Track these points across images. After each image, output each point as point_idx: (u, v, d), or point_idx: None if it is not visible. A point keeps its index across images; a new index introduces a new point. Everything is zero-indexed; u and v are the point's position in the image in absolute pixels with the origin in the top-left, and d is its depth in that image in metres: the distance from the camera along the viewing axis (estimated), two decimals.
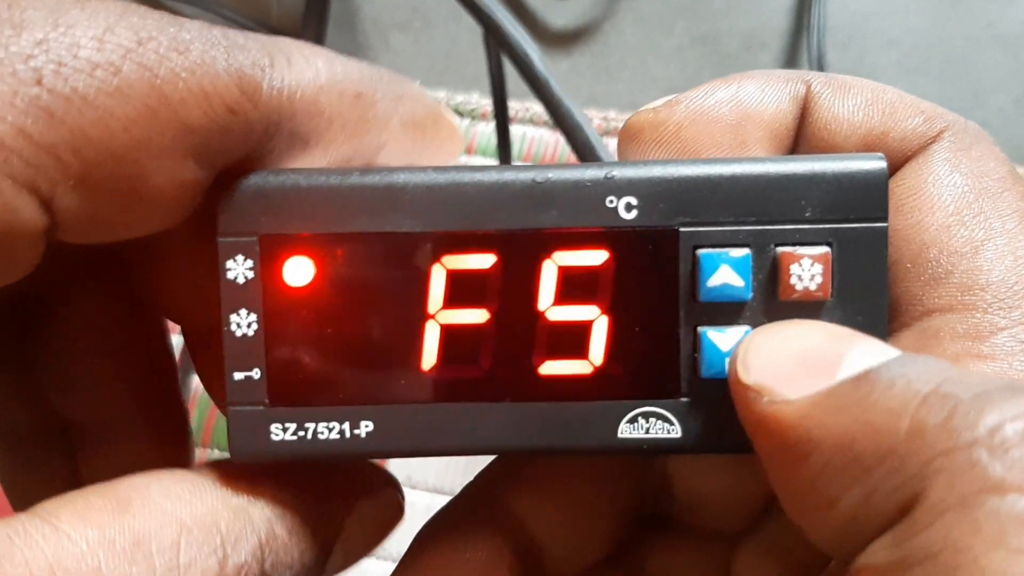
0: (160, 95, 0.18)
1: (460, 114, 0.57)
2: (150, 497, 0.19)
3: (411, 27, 0.55)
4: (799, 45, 0.52)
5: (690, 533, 0.27)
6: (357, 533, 0.24)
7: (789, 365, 0.19)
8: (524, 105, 0.57)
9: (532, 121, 0.57)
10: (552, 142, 0.56)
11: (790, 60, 0.54)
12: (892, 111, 0.23)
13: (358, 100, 0.22)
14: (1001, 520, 0.15)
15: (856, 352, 0.19)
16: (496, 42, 0.43)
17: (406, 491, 0.57)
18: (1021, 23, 0.51)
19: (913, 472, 0.16)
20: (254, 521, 0.20)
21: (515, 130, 0.51)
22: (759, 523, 0.26)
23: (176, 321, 0.26)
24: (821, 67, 0.50)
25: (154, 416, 0.27)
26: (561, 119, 0.43)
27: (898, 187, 0.23)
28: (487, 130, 0.58)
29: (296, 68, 0.21)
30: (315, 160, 0.22)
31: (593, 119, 0.51)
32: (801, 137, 0.24)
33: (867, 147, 0.23)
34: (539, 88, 0.43)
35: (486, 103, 0.57)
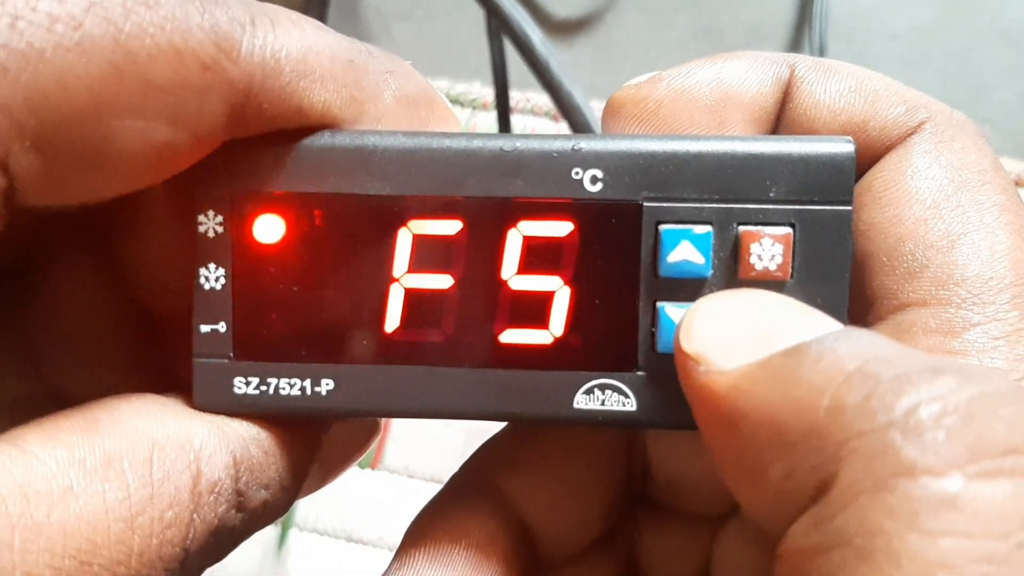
0: (125, 51, 0.18)
1: (461, 104, 0.58)
2: (120, 416, 0.19)
3: (413, 16, 0.55)
4: (801, 38, 0.52)
5: (675, 515, 0.27)
6: (335, 451, 0.24)
7: (728, 334, 0.19)
8: (525, 96, 0.58)
9: (533, 111, 0.57)
10: (553, 132, 0.57)
11: (792, 53, 0.54)
12: (875, 99, 0.23)
13: (351, 66, 0.21)
14: (914, 503, 0.15)
15: (795, 324, 0.19)
16: (497, 23, 0.43)
17: (404, 480, 0.57)
18: None
19: (830, 452, 0.16)
20: (228, 439, 0.21)
21: (516, 120, 0.51)
22: (738, 507, 0.26)
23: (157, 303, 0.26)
24: None
25: (150, 386, 0.27)
26: (561, 100, 0.43)
27: (876, 179, 0.22)
28: (488, 120, 0.58)
29: (282, 28, 0.20)
30: (315, 127, 0.21)
31: (595, 110, 0.51)
32: (781, 121, 0.24)
33: (846, 135, 0.23)
34: (539, 70, 0.43)
35: (487, 93, 0.57)
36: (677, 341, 0.20)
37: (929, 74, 0.51)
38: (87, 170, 0.19)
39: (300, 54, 0.20)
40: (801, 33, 0.53)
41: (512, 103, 0.50)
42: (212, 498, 0.20)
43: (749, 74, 0.23)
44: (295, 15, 0.21)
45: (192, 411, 0.21)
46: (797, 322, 0.19)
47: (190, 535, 0.19)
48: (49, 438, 0.18)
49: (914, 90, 0.23)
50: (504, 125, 0.49)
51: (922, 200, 0.22)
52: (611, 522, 0.26)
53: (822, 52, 0.50)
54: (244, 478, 0.20)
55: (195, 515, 0.19)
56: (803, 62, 0.24)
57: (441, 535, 0.24)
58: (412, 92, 0.23)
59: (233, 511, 0.20)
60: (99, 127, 0.18)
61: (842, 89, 0.23)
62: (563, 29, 0.55)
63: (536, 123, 0.49)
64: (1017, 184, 0.44)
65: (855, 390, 0.17)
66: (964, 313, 0.21)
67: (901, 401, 0.16)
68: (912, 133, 0.22)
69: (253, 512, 0.21)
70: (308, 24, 0.21)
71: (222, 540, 0.20)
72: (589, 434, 0.25)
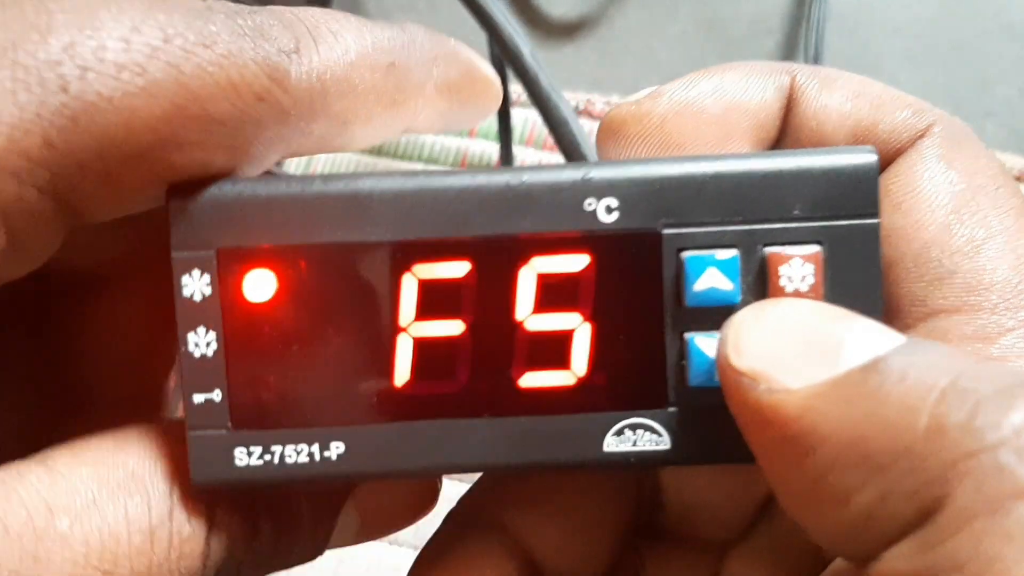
0: (187, 91, 0.18)
1: None
2: (147, 436, 0.20)
3: (416, 7, 0.54)
4: (803, 31, 0.52)
5: (681, 542, 0.26)
6: (381, 512, 0.24)
7: (787, 349, 0.18)
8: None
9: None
10: None
11: (795, 46, 0.53)
12: (880, 103, 0.22)
13: (391, 70, 0.21)
14: None
15: (856, 335, 0.18)
16: (489, 37, 0.42)
17: None
18: None
19: (935, 475, 0.16)
20: None
21: (517, 114, 0.49)
22: (750, 531, 0.26)
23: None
24: (822, 55, 0.49)
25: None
26: (549, 113, 0.42)
27: (892, 183, 0.22)
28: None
29: (325, 47, 0.20)
30: (357, 136, 0.22)
31: (596, 103, 0.50)
32: (787, 129, 0.23)
33: (856, 139, 0.22)
34: (528, 83, 0.42)
35: None
36: (724, 358, 0.18)
37: (932, 68, 0.50)
38: (147, 193, 0.20)
39: (344, 72, 0.20)
40: (802, 26, 0.52)
41: (513, 97, 0.49)
42: (230, 516, 0.20)
43: (751, 83, 0.23)
44: (335, 22, 0.21)
45: None
46: (862, 334, 0.18)
47: (210, 550, 0.20)
48: (75, 456, 0.19)
49: (911, 96, 0.23)
50: (504, 119, 0.48)
51: (943, 205, 0.21)
52: (617, 554, 0.25)
53: (824, 46, 0.49)
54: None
55: (213, 531, 0.20)
56: (802, 70, 0.23)
57: (450, 571, 0.23)
58: (453, 78, 0.23)
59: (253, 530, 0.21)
60: (162, 162, 0.19)
61: (846, 94, 0.23)
62: (564, 23, 0.54)
63: (537, 117, 0.47)
64: (1018, 180, 0.44)
65: (955, 408, 0.16)
66: (997, 318, 0.20)
67: (1009, 418, 0.15)
68: (921, 137, 0.22)
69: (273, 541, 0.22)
70: (348, 30, 0.21)
71: (244, 559, 0.21)
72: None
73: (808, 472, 0.17)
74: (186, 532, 0.19)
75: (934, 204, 0.21)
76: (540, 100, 0.42)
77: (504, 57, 0.42)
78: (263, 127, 0.19)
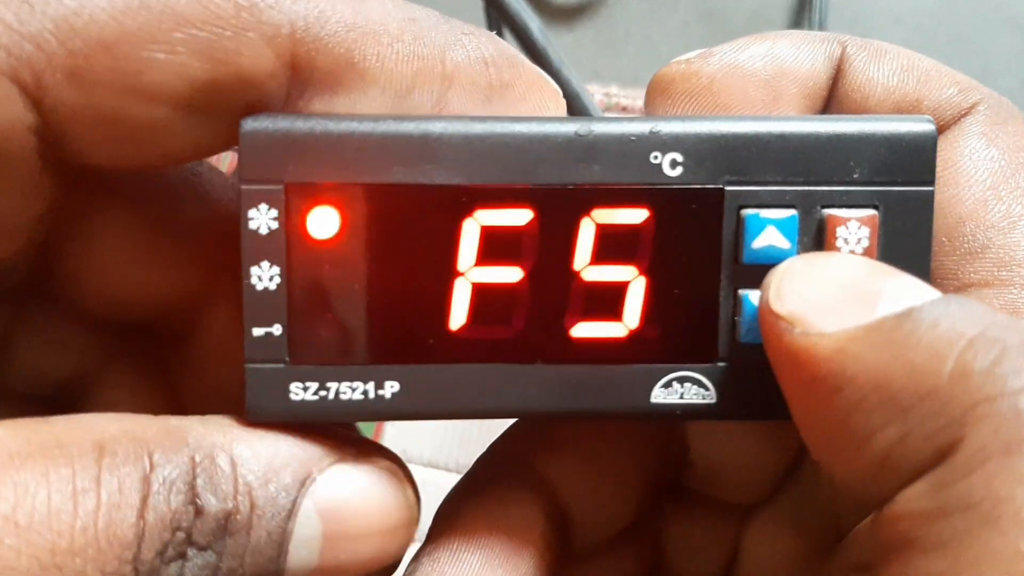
0: None
1: None
2: (81, 415, 0.19)
3: None
4: (804, 22, 0.52)
5: (705, 504, 0.26)
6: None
7: (825, 296, 0.18)
8: None
9: None
10: None
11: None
12: (927, 79, 0.23)
13: (411, 23, 0.20)
14: None
15: (895, 288, 0.18)
16: (496, 13, 0.42)
17: None
18: None
19: (955, 416, 0.16)
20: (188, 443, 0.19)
21: None
22: (773, 496, 0.26)
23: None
24: None
25: None
26: (560, 88, 0.42)
27: None
28: None
29: None
30: (367, 82, 0.20)
31: (595, 94, 0.50)
32: (833, 98, 0.23)
33: (900, 113, 0.22)
34: (538, 59, 0.42)
35: None
36: (765, 303, 0.19)
37: (933, 59, 0.51)
38: (124, 109, 0.19)
39: (350, 5, 0.20)
40: (803, 16, 0.52)
41: None
42: (164, 491, 0.18)
43: (802, 50, 0.23)
44: None
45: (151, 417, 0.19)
46: (900, 287, 0.18)
47: (142, 527, 0.18)
48: (7, 424, 0.18)
49: (961, 74, 0.23)
50: None
51: (981, 181, 0.22)
52: (641, 511, 0.25)
53: None
54: (201, 480, 0.19)
55: (146, 506, 0.18)
56: (853, 41, 0.23)
57: (477, 517, 0.23)
58: (491, 53, 0.21)
59: (192, 516, 0.18)
60: (130, 59, 0.18)
61: (894, 68, 0.23)
62: (565, 12, 0.54)
63: None
64: None
65: (981, 355, 0.16)
66: None
67: None
68: (966, 115, 0.22)
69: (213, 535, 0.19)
70: None
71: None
72: None
73: (834, 411, 0.18)
74: (116, 499, 0.18)
75: (972, 179, 0.22)
76: (550, 75, 0.42)
77: (511, 32, 0.42)
78: (248, 40, 0.19)
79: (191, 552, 0.18)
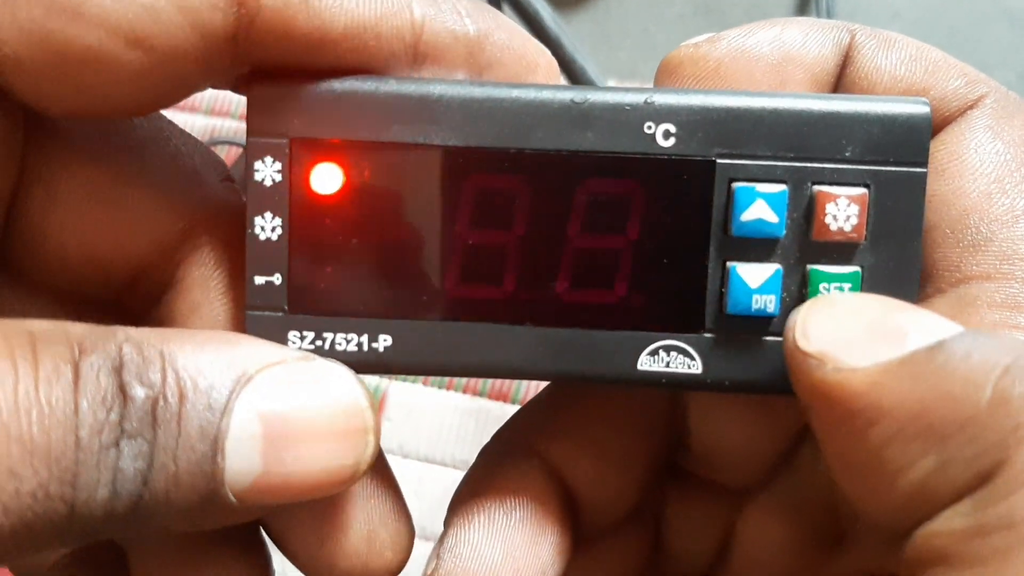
0: None
1: None
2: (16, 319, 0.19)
3: None
4: (803, 16, 0.51)
5: (703, 486, 0.27)
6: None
7: (852, 332, 0.19)
8: None
9: None
10: None
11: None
12: (935, 69, 0.23)
13: None
14: None
15: (920, 322, 0.19)
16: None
17: (397, 460, 0.56)
18: None
19: (996, 440, 0.17)
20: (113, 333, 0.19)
21: None
22: (769, 483, 0.26)
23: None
24: None
25: None
26: (574, 76, 0.42)
27: (938, 151, 0.22)
28: None
29: None
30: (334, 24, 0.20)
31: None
32: (840, 86, 0.23)
33: None
34: (551, 47, 0.42)
35: None
36: (792, 342, 0.19)
37: None
38: (64, 31, 0.18)
39: None
40: (803, 11, 0.52)
41: None
42: (92, 373, 0.18)
43: (810, 37, 0.23)
44: None
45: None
46: (926, 322, 0.19)
47: (77, 403, 0.18)
48: None
49: (970, 66, 0.23)
50: None
51: (986, 174, 0.22)
52: (645, 494, 0.26)
53: None
54: (129, 369, 0.18)
55: (78, 388, 0.18)
56: (862, 30, 0.24)
57: (494, 500, 0.23)
58: (487, 27, 0.21)
59: (122, 403, 0.18)
60: None
61: (902, 57, 0.23)
62: (562, 5, 0.54)
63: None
64: None
65: (1019, 381, 0.17)
66: None
67: None
68: (972, 107, 0.22)
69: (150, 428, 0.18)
70: None
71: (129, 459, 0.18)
72: (632, 401, 0.25)
73: (869, 444, 0.18)
74: (52, 377, 0.17)
75: (977, 172, 0.22)
76: (564, 64, 0.42)
77: (523, 21, 0.42)
78: None
79: (123, 442, 0.18)
